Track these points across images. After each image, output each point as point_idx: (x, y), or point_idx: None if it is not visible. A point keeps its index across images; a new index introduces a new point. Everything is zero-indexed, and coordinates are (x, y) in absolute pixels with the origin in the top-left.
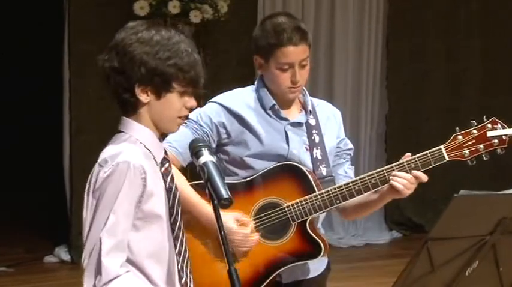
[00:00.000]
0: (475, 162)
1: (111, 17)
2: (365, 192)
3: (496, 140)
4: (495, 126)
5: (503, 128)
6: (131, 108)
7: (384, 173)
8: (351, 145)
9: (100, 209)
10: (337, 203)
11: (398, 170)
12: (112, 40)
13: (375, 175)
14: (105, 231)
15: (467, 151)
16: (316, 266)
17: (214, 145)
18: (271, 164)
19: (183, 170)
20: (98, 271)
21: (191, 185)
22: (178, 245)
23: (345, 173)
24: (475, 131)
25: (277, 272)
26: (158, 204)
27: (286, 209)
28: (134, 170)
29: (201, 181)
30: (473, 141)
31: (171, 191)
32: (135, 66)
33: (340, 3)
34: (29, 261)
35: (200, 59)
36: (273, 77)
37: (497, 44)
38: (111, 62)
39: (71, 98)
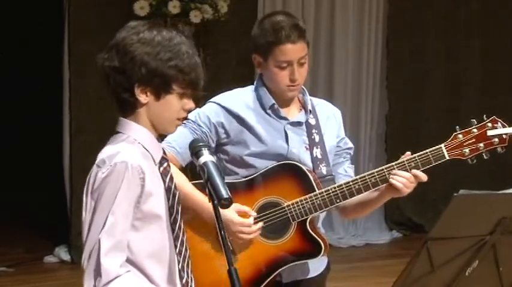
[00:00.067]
0: (475, 161)
1: (111, 17)
2: (365, 191)
3: (496, 139)
4: (495, 125)
5: (504, 127)
6: (130, 108)
7: (384, 172)
8: (350, 144)
9: (99, 210)
10: (337, 203)
11: (399, 169)
12: (112, 39)
13: (375, 174)
14: (104, 232)
15: (467, 150)
16: (316, 266)
17: (213, 145)
18: (271, 164)
19: (183, 170)
20: (98, 272)
21: (191, 184)
22: (178, 244)
23: (345, 173)
24: (475, 130)
25: (277, 272)
26: (157, 204)
27: (286, 208)
28: (132, 171)
29: (201, 181)
30: (474, 140)
31: (170, 191)
32: (136, 67)
33: (340, 3)
34: (29, 261)
35: (200, 61)
36: (272, 75)
37: (497, 44)
38: (111, 61)
39: (71, 98)
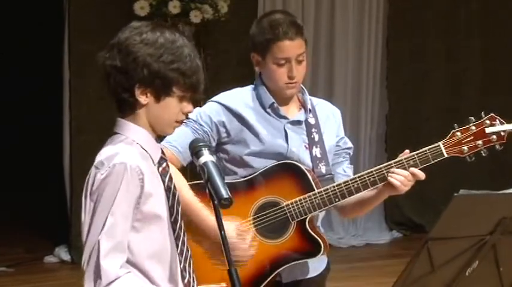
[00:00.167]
0: (473, 158)
1: (111, 17)
2: (364, 190)
3: (494, 136)
4: (493, 122)
5: (502, 124)
6: (129, 109)
7: (383, 170)
8: (350, 144)
9: (98, 212)
10: (336, 202)
11: (397, 167)
12: (114, 38)
13: (374, 172)
14: (103, 233)
15: (465, 147)
16: (316, 266)
17: (214, 144)
18: (270, 163)
19: (183, 169)
20: (98, 274)
21: (191, 185)
22: (179, 244)
23: (344, 172)
24: (473, 127)
25: (277, 271)
26: (157, 204)
27: (285, 208)
28: (131, 172)
29: (201, 181)
30: (472, 137)
31: (170, 191)
32: (138, 67)
33: (340, 3)
34: (29, 261)
35: (201, 62)
36: (270, 72)
37: (497, 44)
38: (112, 60)
39: (71, 98)
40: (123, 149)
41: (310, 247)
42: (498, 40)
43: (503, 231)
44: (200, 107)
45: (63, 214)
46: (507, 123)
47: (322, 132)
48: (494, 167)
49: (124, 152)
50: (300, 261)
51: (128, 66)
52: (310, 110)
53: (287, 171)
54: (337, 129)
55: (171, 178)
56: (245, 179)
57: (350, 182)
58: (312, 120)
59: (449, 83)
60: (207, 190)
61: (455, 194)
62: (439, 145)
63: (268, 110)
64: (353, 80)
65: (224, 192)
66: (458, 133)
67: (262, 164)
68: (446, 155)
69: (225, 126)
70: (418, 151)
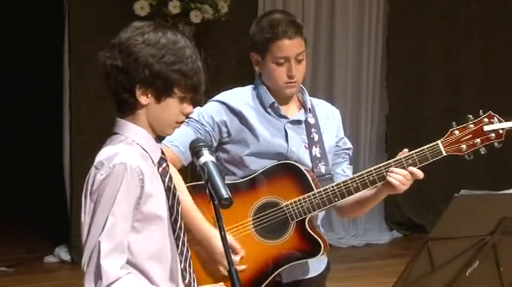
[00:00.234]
0: (472, 157)
1: (111, 17)
2: (363, 189)
3: (492, 134)
4: (491, 120)
5: (500, 121)
6: (129, 109)
7: (382, 169)
8: (349, 144)
9: (98, 212)
10: (335, 201)
11: (396, 167)
12: (115, 38)
13: (373, 171)
14: (103, 234)
15: (464, 146)
16: (316, 266)
17: (215, 144)
18: (270, 163)
19: (184, 169)
20: (98, 275)
21: (191, 185)
22: (180, 245)
23: (343, 173)
24: (471, 126)
25: (277, 272)
26: (158, 205)
27: (285, 208)
28: (131, 172)
29: (201, 183)
30: (470, 135)
31: (170, 191)
32: (139, 68)
33: (340, 3)
34: (29, 261)
35: (201, 63)
36: (270, 72)
37: (497, 44)
38: (113, 60)
39: (71, 98)
40: (123, 149)
41: (310, 247)
42: (498, 40)
43: (503, 231)
44: (201, 106)
45: (63, 214)
46: (505, 121)
47: (321, 132)
48: (495, 168)
49: (124, 153)
50: (300, 261)
51: (129, 66)
52: (310, 110)
53: (286, 171)
54: (337, 130)
55: (171, 178)
56: (244, 179)
57: (349, 181)
58: (311, 120)
59: (449, 83)
60: (207, 190)
61: (456, 195)
62: (437, 144)
63: (269, 109)
64: (353, 80)
65: (224, 192)
66: (457, 131)
67: (261, 165)
68: (444, 154)
69: (226, 126)
70: (416, 150)
